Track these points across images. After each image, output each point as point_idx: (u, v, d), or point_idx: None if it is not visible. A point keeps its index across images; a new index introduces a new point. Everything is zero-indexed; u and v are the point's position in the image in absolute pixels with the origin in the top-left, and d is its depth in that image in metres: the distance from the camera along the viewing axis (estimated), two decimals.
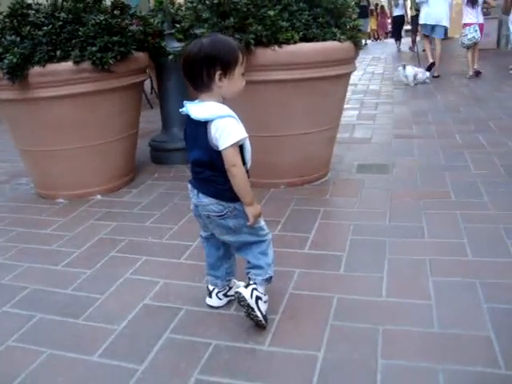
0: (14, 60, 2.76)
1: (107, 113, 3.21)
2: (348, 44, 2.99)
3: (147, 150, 4.20)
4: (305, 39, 2.88)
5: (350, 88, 6.96)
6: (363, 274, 2.18)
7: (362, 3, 18.00)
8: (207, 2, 2.80)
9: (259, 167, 3.27)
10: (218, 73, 1.61)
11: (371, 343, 1.73)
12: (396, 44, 14.44)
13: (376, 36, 20.76)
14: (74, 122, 3.12)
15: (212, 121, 1.63)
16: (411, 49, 13.18)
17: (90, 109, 3.12)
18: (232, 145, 1.61)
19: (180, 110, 1.73)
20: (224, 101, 1.70)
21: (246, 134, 1.65)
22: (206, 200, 1.75)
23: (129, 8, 3.23)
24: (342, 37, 2.95)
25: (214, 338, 1.84)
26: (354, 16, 3.19)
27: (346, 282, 2.13)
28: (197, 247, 2.49)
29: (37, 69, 2.90)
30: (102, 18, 2.91)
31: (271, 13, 2.74)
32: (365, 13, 18.37)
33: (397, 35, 14.66)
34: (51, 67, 2.91)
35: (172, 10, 3.16)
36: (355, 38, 3.03)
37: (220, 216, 1.76)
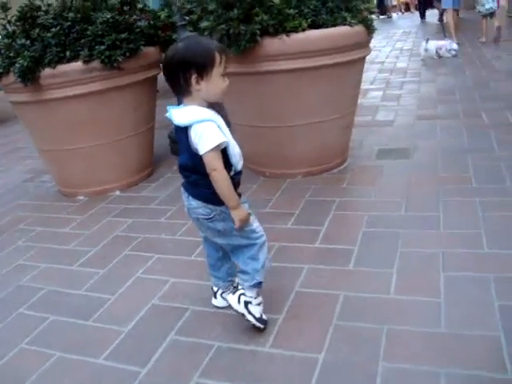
0: (25, 64, 2.80)
1: (121, 109, 3.22)
2: (359, 28, 2.89)
3: (167, 142, 4.21)
4: (314, 26, 2.80)
5: (376, 67, 6.86)
6: (372, 270, 2.12)
7: None
8: None
9: (274, 158, 3.27)
10: (193, 76, 1.58)
11: (374, 345, 1.69)
12: (420, 17, 13.98)
13: (406, 8, 20.07)
14: (89, 121, 3.15)
15: (191, 126, 1.60)
16: (439, 20, 12.68)
17: (103, 106, 3.14)
18: (211, 149, 1.58)
19: (165, 115, 1.71)
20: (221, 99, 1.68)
21: (224, 139, 1.61)
22: (194, 203, 1.74)
23: (137, 3, 3.20)
24: (353, 21, 2.85)
25: (217, 340, 1.83)
26: None
27: (355, 279, 2.09)
28: None
29: (48, 71, 2.93)
30: (108, 16, 2.91)
31: (276, 0, 2.66)
32: None
33: (422, 7, 14.15)
34: (61, 68, 2.94)
35: (178, 3, 3.11)
36: (367, 22, 2.92)
37: (208, 219, 1.74)
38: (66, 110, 3.08)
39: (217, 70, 1.60)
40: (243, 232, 1.76)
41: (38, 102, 3.05)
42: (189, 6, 2.97)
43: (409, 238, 2.33)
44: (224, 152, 1.65)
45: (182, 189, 1.79)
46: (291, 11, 2.73)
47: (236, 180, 1.74)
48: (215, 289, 2.01)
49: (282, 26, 2.72)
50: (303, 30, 2.75)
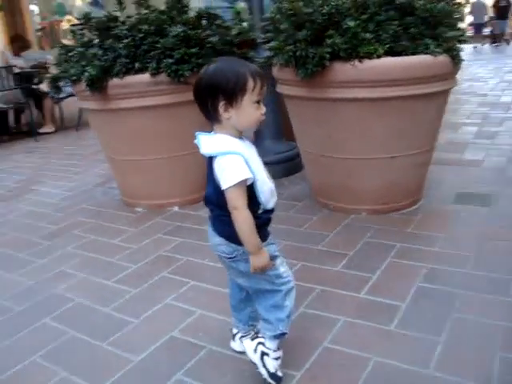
0: (93, 73, 2.83)
1: (186, 124, 3.14)
2: (443, 58, 2.60)
3: None
4: (392, 53, 2.57)
5: (477, 100, 6.36)
6: (416, 335, 1.84)
7: (500, 4, 16.48)
8: (283, 12, 2.61)
9: (340, 191, 3.05)
10: (221, 103, 1.43)
11: None
12: None
13: None
14: (154, 133, 3.13)
15: (215, 157, 1.46)
16: None
17: (169, 120, 3.11)
18: (233, 185, 1.42)
19: (194, 141, 1.57)
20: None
21: (249, 175, 1.44)
22: (217, 239, 1.59)
23: (215, 18, 3.14)
24: (437, 49, 2.58)
25: None
26: (460, 23, 2.80)
27: (393, 342, 1.82)
28: None
29: (115, 81, 2.94)
30: (180, 30, 2.87)
31: (351, 24, 2.47)
32: (504, 14, 16.76)
33: None
34: (129, 79, 2.94)
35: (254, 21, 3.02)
36: (453, 51, 2.63)
37: (230, 258, 1.58)
38: (130, 120, 3.08)
39: (249, 98, 1.44)
40: (267, 276, 1.58)
41: (104, 111, 3.07)
42: (263, 24, 2.85)
43: (468, 302, 2.02)
44: (252, 188, 1.49)
45: (209, 222, 1.64)
46: (367, 35, 2.52)
47: (264, 219, 1.57)
48: (235, 331, 1.84)
49: (355, 51, 2.52)
50: (378, 56, 2.53)
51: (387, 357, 1.74)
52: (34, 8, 12.22)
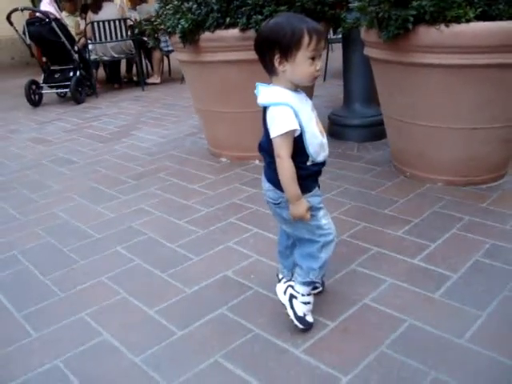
0: (186, 26, 2.97)
1: None
2: None
3: (326, 123, 4.13)
4: (485, 17, 2.43)
5: None
6: (459, 306, 1.83)
7: None
8: None
9: (418, 158, 3.00)
10: (276, 56, 1.49)
11: None
12: None
13: None
14: (239, 87, 3.23)
15: (268, 107, 1.53)
16: None
17: (255, 75, 3.17)
18: (279, 135, 1.49)
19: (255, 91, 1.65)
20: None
21: (296, 127, 1.49)
22: (266, 185, 1.68)
23: None
24: None
25: (259, 327, 1.78)
26: None
27: (432, 309, 1.82)
28: None
29: (207, 34, 3.06)
30: None
31: None
32: None
33: None
34: (219, 33, 3.04)
35: None
36: None
37: (276, 204, 1.67)
38: (219, 73, 3.20)
39: (303, 53, 1.48)
40: (308, 225, 1.65)
41: (195, 63, 3.22)
42: None
43: None
44: (300, 139, 1.55)
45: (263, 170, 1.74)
46: None
47: (312, 171, 1.63)
48: (280, 276, 1.94)
49: (442, 14, 2.42)
50: (467, 20, 2.41)
51: (423, 321, 1.75)
52: None
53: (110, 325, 1.87)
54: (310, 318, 1.73)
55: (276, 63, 1.51)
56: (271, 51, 1.51)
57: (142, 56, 7.07)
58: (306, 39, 1.47)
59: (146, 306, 1.96)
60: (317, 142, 1.59)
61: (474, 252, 2.18)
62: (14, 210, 3.01)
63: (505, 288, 1.92)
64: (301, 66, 1.50)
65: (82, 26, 6.80)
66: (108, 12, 6.45)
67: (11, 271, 2.32)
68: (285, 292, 1.74)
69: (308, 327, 1.73)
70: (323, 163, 1.67)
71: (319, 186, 1.71)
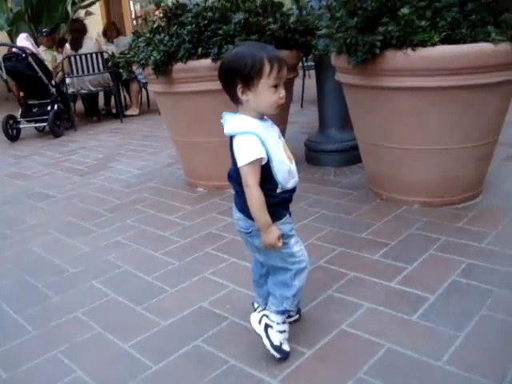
0: (158, 57, 2.99)
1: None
2: (505, 46, 2.47)
3: (303, 150, 4.15)
4: (448, 41, 2.49)
5: None
6: (436, 327, 1.81)
7: None
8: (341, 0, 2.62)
9: (392, 181, 3.01)
10: (238, 86, 1.50)
11: None
12: None
13: None
14: (213, 116, 3.19)
15: (234, 136, 1.53)
16: None
17: (227, 104, 3.20)
18: (246, 164, 1.49)
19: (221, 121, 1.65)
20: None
21: (262, 155, 1.50)
22: (237, 214, 1.67)
23: (279, 7, 3.20)
24: (499, 37, 2.46)
25: (235, 358, 1.75)
26: None
27: (410, 332, 1.81)
28: None
29: (179, 65, 3.09)
30: (241, 17, 2.95)
31: (405, 11, 2.42)
32: None
33: None
34: (191, 64, 3.07)
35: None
36: None
37: (247, 233, 1.66)
38: (193, 103, 3.22)
39: (265, 82, 1.49)
40: (280, 253, 1.64)
41: (168, 94, 3.24)
42: (321, 12, 2.87)
43: (500, 301, 1.94)
44: (268, 167, 1.55)
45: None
46: (423, 23, 2.46)
47: (282, 198, 1.63)
48: (255, 305, 1.91)
49: (408, 39, 2.47)
50: (433, 44, 2.46)
51: (401, 345, 1.73)
52: None
53: (84, 362, 1.83)
54: (286, 347, 1.71)
55: (239, 93, 1.52)
56: (233, 81, 1.52)
57: (120, 88, 7.10)
58: (266, 67, 1.48)
59: (120, 340, 1.92)
60: (285, 169, 1.59)
61: (450, 272, 2.18)
62: None
63: (482, 307, 1.91)
64: (263, 94, 1.51)
65: (59, 60, 6.82)
66: (86, 48, 6.50)
67: None
68: (259, 321, 1.71)
69: (285, 356, 1.70)
70: (293, 190, 1.66)
71: (290, 214, 1.70)
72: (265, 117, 1.60)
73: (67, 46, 6.67)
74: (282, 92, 1.54)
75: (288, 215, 1.68)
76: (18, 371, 1.82)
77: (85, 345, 1.93)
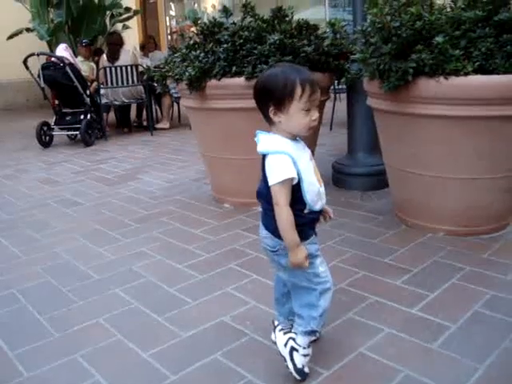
0: (193, 73, 3.06)
1: None
2: None
3: (330, 171, 4.16)
4: (482, 71, 2.50)
5: None
6: (457, 357, 1.80)
7: None
8: (375, 25, 2.65)
9: (419, 208, 3.01)
10: (271, 108, 1.54)
11: None
12: None
13: None
14: (244, 134, 3.24)
15: (267, 155, 1.57)
16: None
17: (259, 122, 3.24)
18: (278, 183, 1.52)
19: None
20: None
21: (293, 175, 1.52)
22: (263, 232, 1.70)
23: (314, 29, 3.25)
24: None
25: (252, 373, 1.76)
26: None
27: (429, 360, 1.79)
28: None
29: (213, 82, 3.15)
30: (276, 38, 3.01)
31: (440, 39, 2.44)
32: None
33: None
34: (225, 81, 3.13)
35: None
36: None
37: (273, 251, 1.67)
38: (224, 120, 3.28)
39: (297, 105, 1.52)
40: (305, 273, 1.65)
41: (201, 109, 3.31)
42: (355, 36, 2.90)
43: None
44: (298, 188, 1.58)
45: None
46: (456, 52, 2.47)
47: (309, 218, 1.65)
48: (276, 323, 1.92)
49: (441, 67, 2.49)
50: (466, 73, 2.47)
51: (419, 373, 1.72)
52: (173, 13, 13.20)
53: (103, 367, 1.86)
54: (306, 369, 1.71)
55: (271, 114, 1.55)
56: (266, 101, 1.55)
57: (153, 101, 7.23)
58: (298, 91, 1.51)
59: (140, 348, 1.95)
60: (314, 191, 1.61)
61: (473, 303, 2.16)
62: (16, 249, 3.03)
63: (504, 340, 1.89)
64: (295, 117, 1.53)
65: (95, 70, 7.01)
66: (122, 60, 6.67)
67: (8, 309, 2.32)
68: (285, 344, 1.71)
69: (304, 378, 1.70)
70: (320, 211, 1.68)
71: (316, 234, 1.71)
72: (297, 138, 1.63)
73: (104, 57, 6.85)
74: (314, 115, 1.56)
75: (314, 235, 1.70)
76: (39, 372, 1.86)
77: (105, 351, 1.96)
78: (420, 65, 2.49)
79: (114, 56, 6.73)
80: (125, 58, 6.71)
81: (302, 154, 1.61)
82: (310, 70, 3.14)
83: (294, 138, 1.61)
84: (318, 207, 1.64)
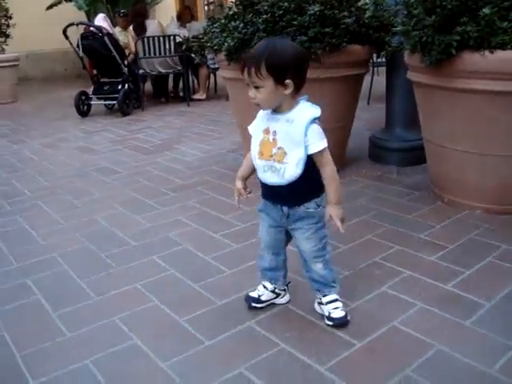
0: (232, 44, 3.05)
1: (315, 101, 3.27)
2: None
3: (367, 145, 4.12)
4: None
5: None
6: (490, 335, 1.79)
7: None
8: None
9: (455, 184, 2.97)
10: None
11: None
12: None
13: None
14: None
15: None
16: None
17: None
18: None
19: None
20: None
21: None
22: (304, 206, 1.84)
23: (355, 1, 3.19)
24: None
25: (285, 342, 1.80)
26: None
27: (462, 336, 1.80)
28: None
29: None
30: (317, 9, 2.96)
31: (487, 11, 2.36)
32: None
33: None
34: None
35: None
36: None
37: (316, 210, 1.84)
38: None
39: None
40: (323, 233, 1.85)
41: (239, 80, 3.26)
42: (397, 8, 2.84)
43: None
44: None
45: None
46: (504, 24, 2.39)
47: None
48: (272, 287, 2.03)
49: (487, 40, 2.42)
50: None
51: (451, 348, 1.73)
52: None
53: (140, 330, 1.92)
54: (348, 317, 1.90)
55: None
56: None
57: (189, 72, 7.24)
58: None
59: (176, 314, 2.01)
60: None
61: (509, 281, 2.14)
62: (57, 215, 3.13)
63: None
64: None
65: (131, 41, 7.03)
66: (150, 31, 6.70)
67: (50, 272, 2.42)
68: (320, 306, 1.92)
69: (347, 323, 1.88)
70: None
71: None
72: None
73: (131, 29, 6.86)
74: (250, 91, 1.70)
75: None
76: (80, 332, 1.94)
77: (142, 315, 2.03)
78: (464, 38, 2.43)
79: (141, 27, 6.74)
80: (152, 29, 6.72)
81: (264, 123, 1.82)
82: (349, 43, 3.12)
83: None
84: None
